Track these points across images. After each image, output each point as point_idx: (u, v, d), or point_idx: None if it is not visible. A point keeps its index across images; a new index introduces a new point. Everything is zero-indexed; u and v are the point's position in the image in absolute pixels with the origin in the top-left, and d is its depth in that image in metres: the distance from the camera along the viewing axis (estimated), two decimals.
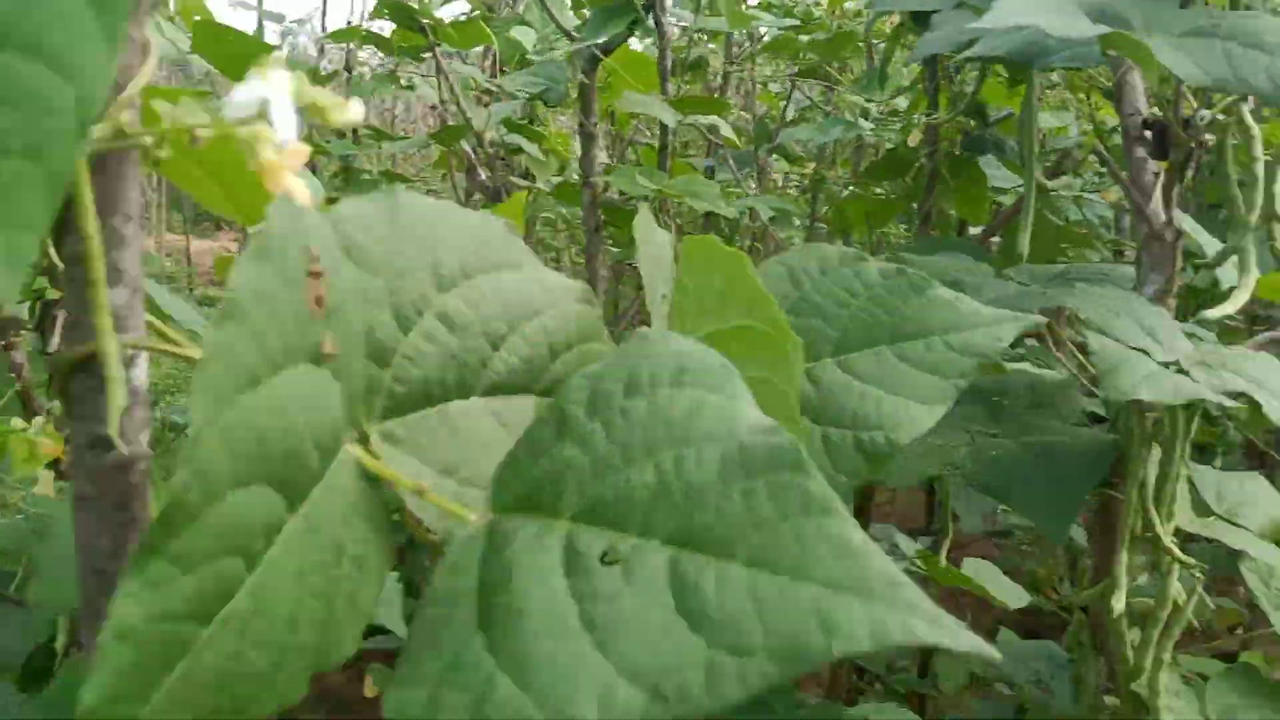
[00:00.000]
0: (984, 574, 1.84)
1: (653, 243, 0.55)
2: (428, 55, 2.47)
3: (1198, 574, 0.98)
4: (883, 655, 3.60)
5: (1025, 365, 1.31)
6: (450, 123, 2.79)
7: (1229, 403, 0.82)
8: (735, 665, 0.28)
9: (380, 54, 3.42)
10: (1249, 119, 0.94)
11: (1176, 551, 0.95)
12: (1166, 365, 0.90)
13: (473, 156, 2.73)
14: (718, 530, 0.30)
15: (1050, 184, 1.24)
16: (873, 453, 0.55)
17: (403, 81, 3.19)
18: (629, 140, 3.80)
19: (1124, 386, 0.80)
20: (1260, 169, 0.93)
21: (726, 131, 2.04)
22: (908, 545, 1.91)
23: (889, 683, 3.42)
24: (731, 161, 3.11)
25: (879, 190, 1.69)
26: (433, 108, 3.41)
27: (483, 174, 2.68)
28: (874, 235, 1.88)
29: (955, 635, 0.28)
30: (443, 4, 2.66)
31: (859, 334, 0.58)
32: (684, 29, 2.15)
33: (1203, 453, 2.68)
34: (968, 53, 0.91)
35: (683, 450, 0.32)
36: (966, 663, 2.92)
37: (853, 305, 0.58)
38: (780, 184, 3.94)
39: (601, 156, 3.39)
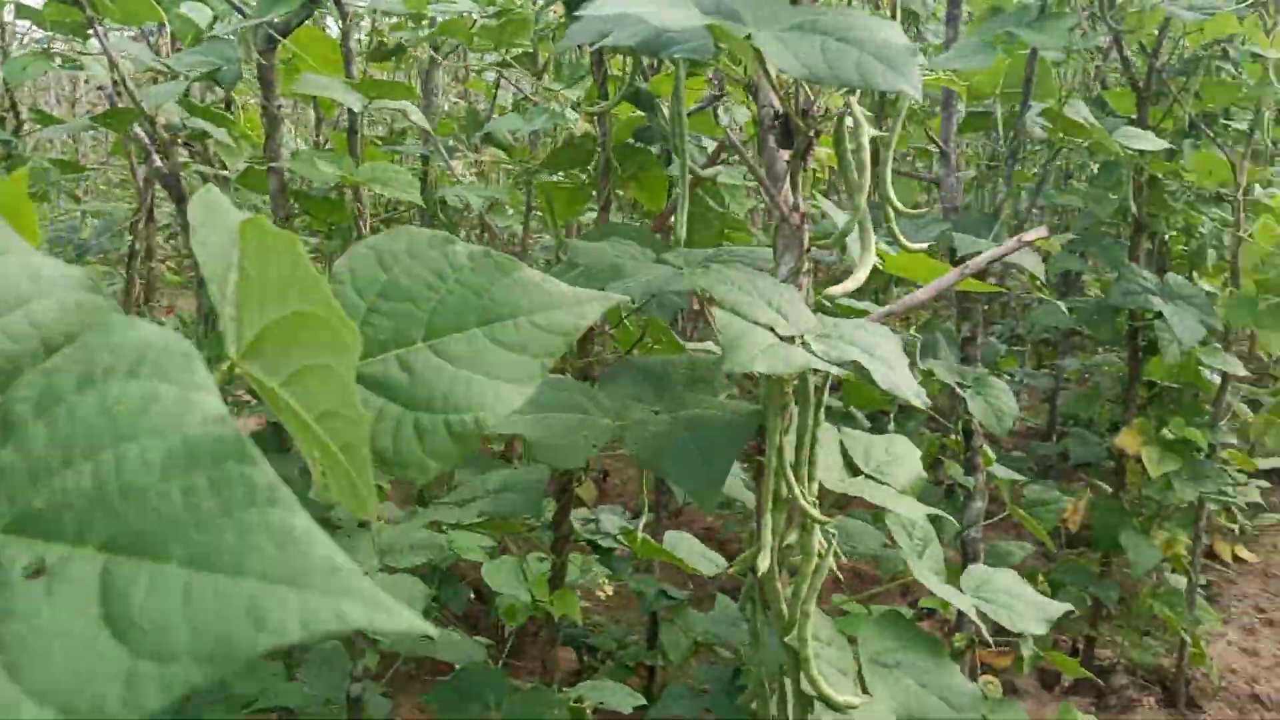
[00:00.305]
0: (681, 545, 1.92)
1: (215, 228, 0.52)
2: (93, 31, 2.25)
3: (832, 531, 1.06)
4: (611, 632, 3.68)
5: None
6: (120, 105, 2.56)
7: (838, 370, 0.90)
8: (157, 671, 0.26)
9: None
10: (857, 109, 1.03)
11: (811, 510, 1.03)
12: (790, 339, 0.97)
13: (147, 142, 2.52)
14: (155, 531, 0.28)
15: (704, 172, 1.30)
16: (461, 434, 0.55)
17: (63, 61, 2.89)
18: (335, 125, 3.64)
19: (742, 359, 0.86)
20: (865, 155, 1.02)
21: (416, 117, 1.99)
22: (611, 524, 1.96)
23: (618, 658, 3.52)
24: (442, 149, 3.06)
25: (565, 178, 1.72)
26: (100, 89, 3.11)
27: (158, 160, 2.48)
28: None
29: (392, 615, 0.27)
30: None
31: (450, 317, 0.57)
32: (365, 9, 2.08)
33: (875, 420, 2.94)
34: (600, 43, 0.93)
35: (126, 448, 0.30)
36: (688, 632, 3.04)
37: (442, 288, 0.57)
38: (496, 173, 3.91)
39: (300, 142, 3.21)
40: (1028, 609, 1.31)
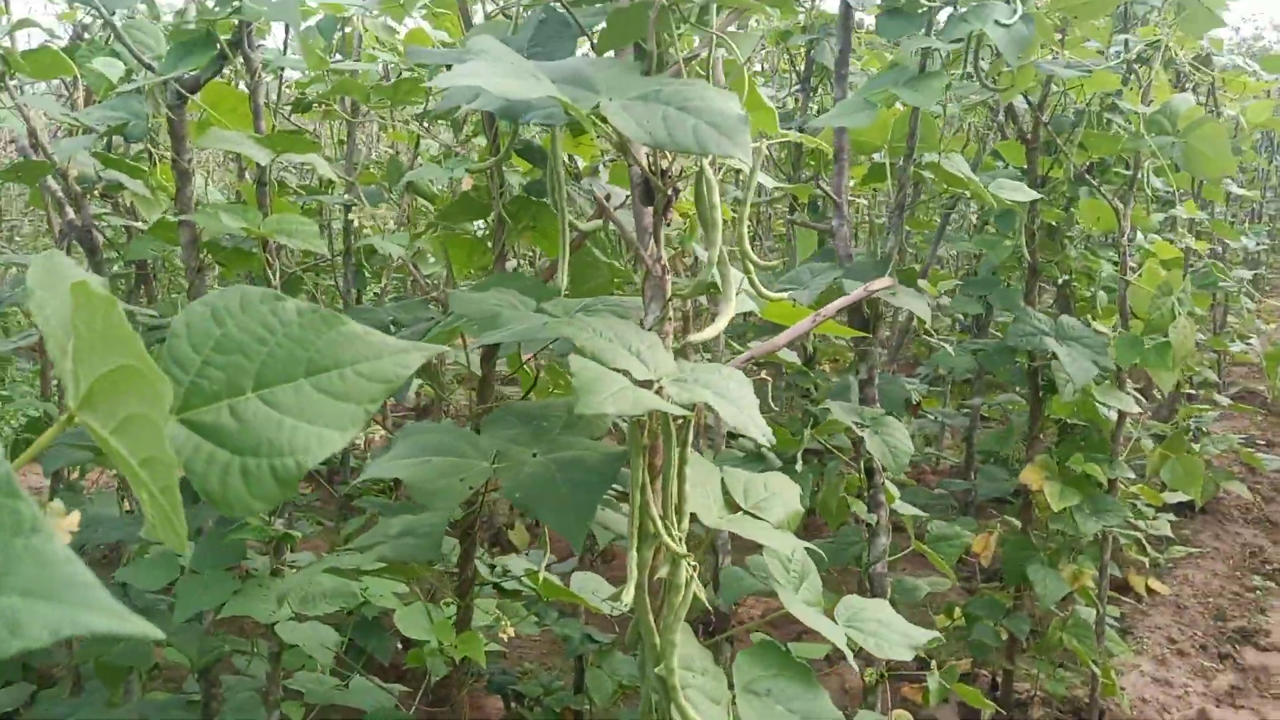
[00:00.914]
0: (587, 586, 1.97)
1: (54, 290, 0.57)
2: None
3: (693, 563, 1.12)
4: (540, 678, 3.68)
5: None
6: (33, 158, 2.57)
7: (681, 411, 0.97)
8: None
9: None
10: (708, 171, 1.11)
11: (673, 545, 1.09)
12: (649, 382, 1.04)
13: (60, 195, 2.53)
14: None
15: (585, 226, 1.38)
16: (284, 477, 0.60)
17: None
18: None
19: (593, 402, 0.92)
20: (717, 214, 1.10)
21: (323, 169, 2.05)
22: (518, 566, 2.01)
23: (545, 704, 3.52)
24: (363, 198, 3.11)
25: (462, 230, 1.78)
26: (12, 142, 3.11)
27: (70, 212, 2.49)
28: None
29: (127, 622, 0.33)
30: (13, 29, 2.45)
31: (278, 368, 0.63)
32: (266, 65, 2.13)
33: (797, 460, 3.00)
34: (467, 106, 1.00)
35: None
36: (613, 675, 3.08)
37: (271, 341, 0.63)
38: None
39: (215, 194, 3.24)
40: (895, 636, 1.38)
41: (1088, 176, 2.99)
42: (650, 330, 1.17)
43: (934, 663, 2.63)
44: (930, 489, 5.03)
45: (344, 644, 2.14)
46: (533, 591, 1.75)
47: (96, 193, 2.74)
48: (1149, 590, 4.41)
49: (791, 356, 2.92)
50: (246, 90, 2.08)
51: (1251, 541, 5.08)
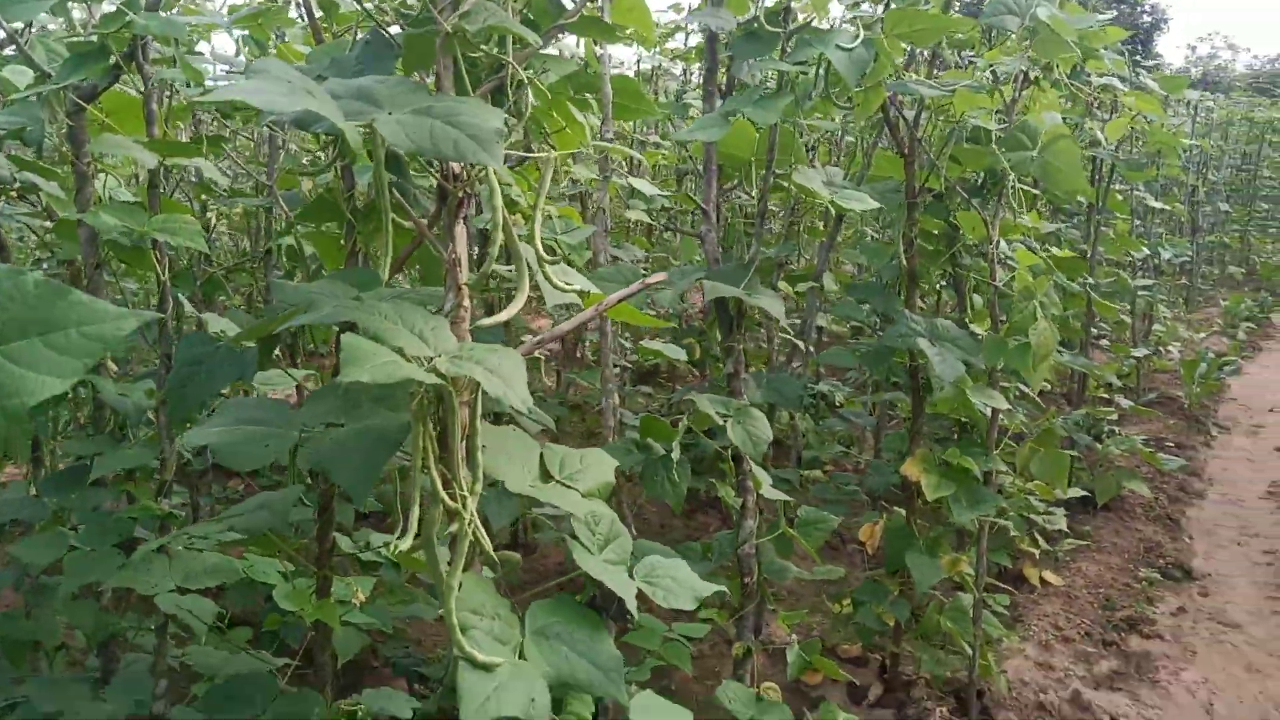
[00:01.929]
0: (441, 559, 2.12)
1: None
2: None
3: (472, 519, 1.29)
4: (445, 660, 3.80)
5: None
6: None
7: (434, 381, 1.13)
8: None
9: None
10: (493, 177, 1.28)
11: (448, 500, 1.25)
12: (428, 359, 1.20)
13: None
14: None
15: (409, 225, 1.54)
16: (13, 413, 0.76)
17: None
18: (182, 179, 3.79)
19: (353, 372, 1.08)
20: (499, 215, 1.27)
21: (209, 173, 2.19)
22: (377, 540, 2.16)
23: (448, 684, 3.64)
24: (280, 199, 3.25)
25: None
26: None
27: None
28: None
29: None
30: None
31: (15, 328, 0.78)
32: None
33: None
34: (270, 119, 1.16)
35: None
36: None
37: (12, 308, 0.79)
38: None
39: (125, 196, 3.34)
40: (682, 589, 1.55)
41: (959, 189, 3.19)
42: (446, 316, 1.34)
43: (794, 638, 2.81)
44: (845, 482, 5.24)
45: (226, 617, 2.28)
46: (387, 561, 1.90)
47: (14, 193, 2.88)
48: (1042, 581, 4.62)
49: (678, 354, 3.09)
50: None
51: (1150, 538, 5.31)
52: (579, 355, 6.29)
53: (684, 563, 1.64)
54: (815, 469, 5.21)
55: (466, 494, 1.31)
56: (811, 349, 3.86)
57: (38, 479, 2.72)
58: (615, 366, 3.13)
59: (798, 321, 4.39)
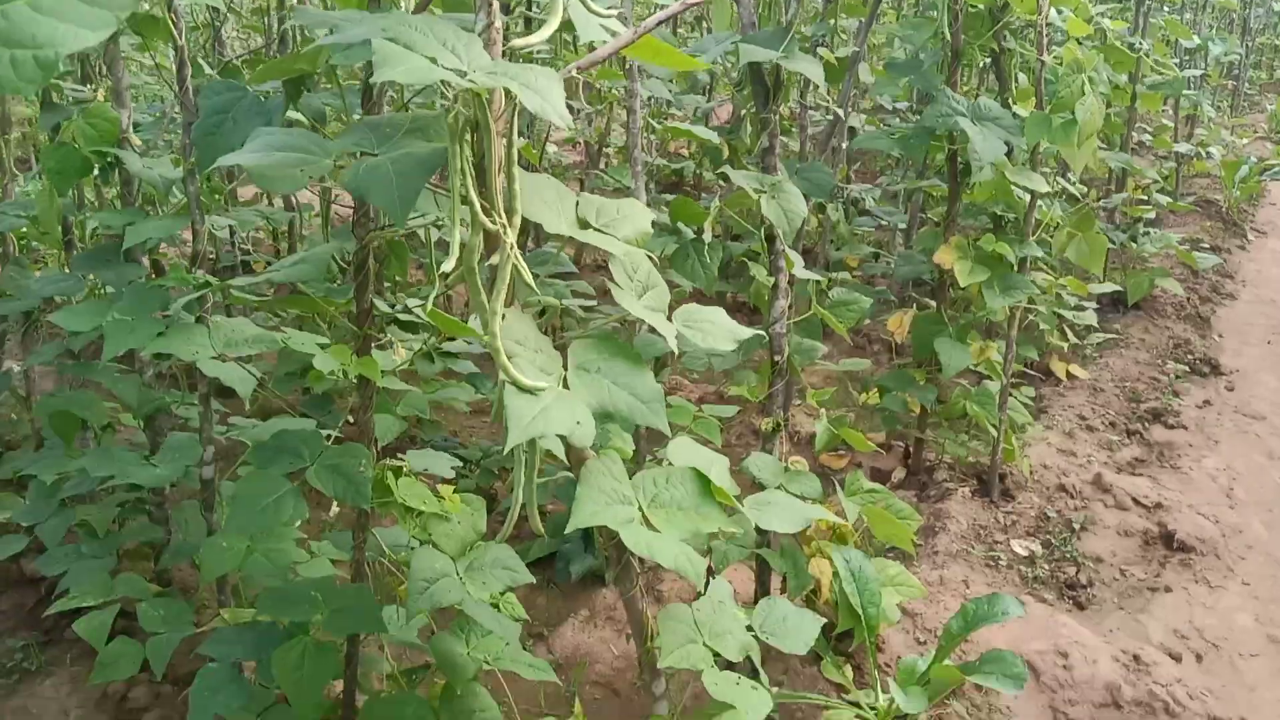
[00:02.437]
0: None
1: None
2: None
3: (513, 247, 1.27)
4: (480, 445, 3.88)
5: None
6: None
7: (466, 84, 1.09)
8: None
9: None
10: None
11: (490, 224, 1.23)
12: (461, 71, 1.15)
13: None
14: None
15: None
16: (45, 63, 0.73)
17: None
18: None
19: (387, 72, 1.04)
20: None
21: None
22: (413, 304, 2.16)
23: (484, 465, 3.74)
24: None
25: None
26: None
27: None
28: None
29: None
30: None
31: None
32: None
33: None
34: None
35: None
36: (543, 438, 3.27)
37: None
38: None
39: None
40: (721, 332, 1.56)
41: None
42: (478, 35, 1.28)
43: (823, 411, 2.85)
44: (870, 281, 5.21)
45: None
46: (423, 321, 1.91)
47: None
48: (1069, 375, 4.65)
49: (709, 135, 3.01)
50: None
51: (1180, 335, 5.30)
52: (602, 165, 6.17)
53: (721, 310, 1.63)
54: (842, 271, 5.17)
55: (505, 223, 1.29)
56: (845, 137, 3.74)
57: (69, 259, 2.74)
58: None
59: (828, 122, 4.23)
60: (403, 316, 1.96)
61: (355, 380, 1.96)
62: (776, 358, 2.74)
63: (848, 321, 2.88)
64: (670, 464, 1.69)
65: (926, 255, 3.82)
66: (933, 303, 3.66)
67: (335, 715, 2.11)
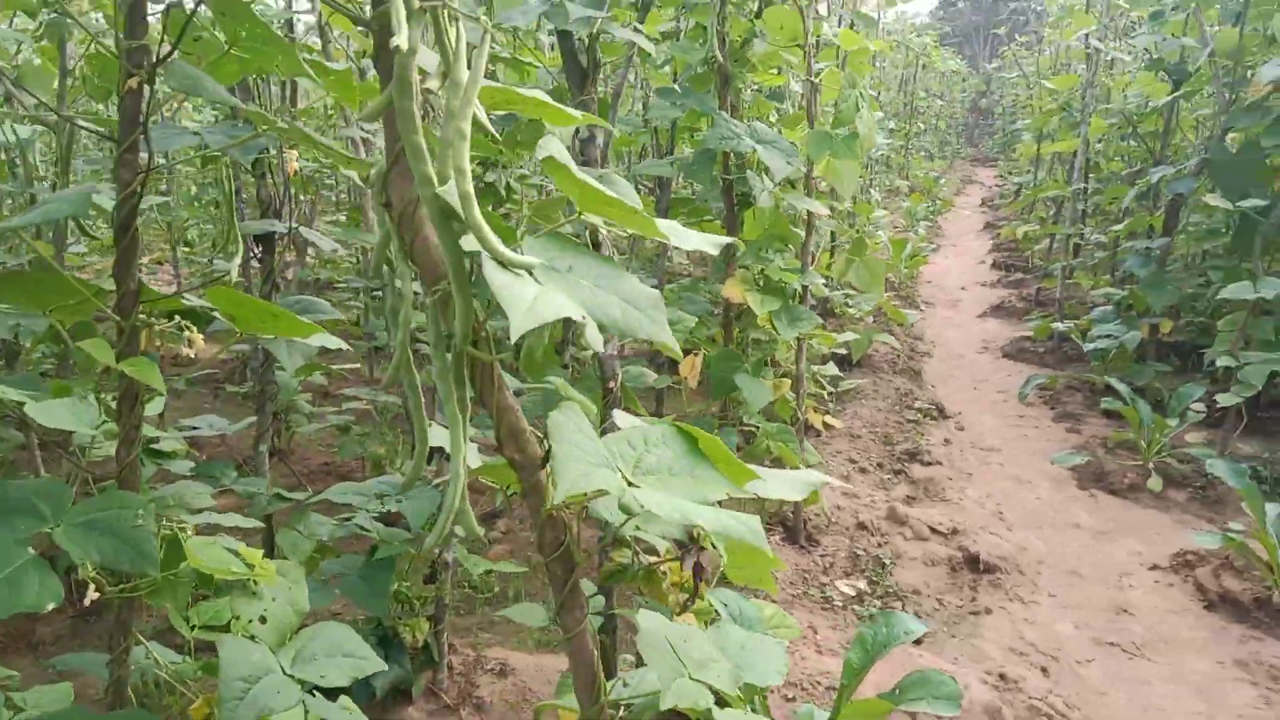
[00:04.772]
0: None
1: None
2: None
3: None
4: None
5: None
6: None
7: None
8: None
9: None
10: None
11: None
12: None
13: None
14: None
15: None
16: None
17: None
18: None
19: None
20: None
21: None
22: None
23: None
24: None
25: None
26: None
27: None
28: None
29: None
30: None
31: None
32: None
33: None
34: None
35: None
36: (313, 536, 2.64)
37: None
38: None
39: None
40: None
41: None
42: None
43: None
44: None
45: None
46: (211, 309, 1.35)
47: None
48: (826, 426, 4.66)
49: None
50: None
51: (903, 386, 5.57)
52: None
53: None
54: None
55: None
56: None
57: None
58: None
59: None
60: (191, 300, 1.38)
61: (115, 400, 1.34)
62: (610, 384, 2.38)
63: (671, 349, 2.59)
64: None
65: (708, 293, 3.67)
66: (714, 338, 3.49)
67: None
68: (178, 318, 1.35)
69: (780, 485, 1.25)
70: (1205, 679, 2.83)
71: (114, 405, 1.41)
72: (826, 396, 4.73)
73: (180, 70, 1.13)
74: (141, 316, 1.36)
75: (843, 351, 5.47)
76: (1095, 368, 5.75)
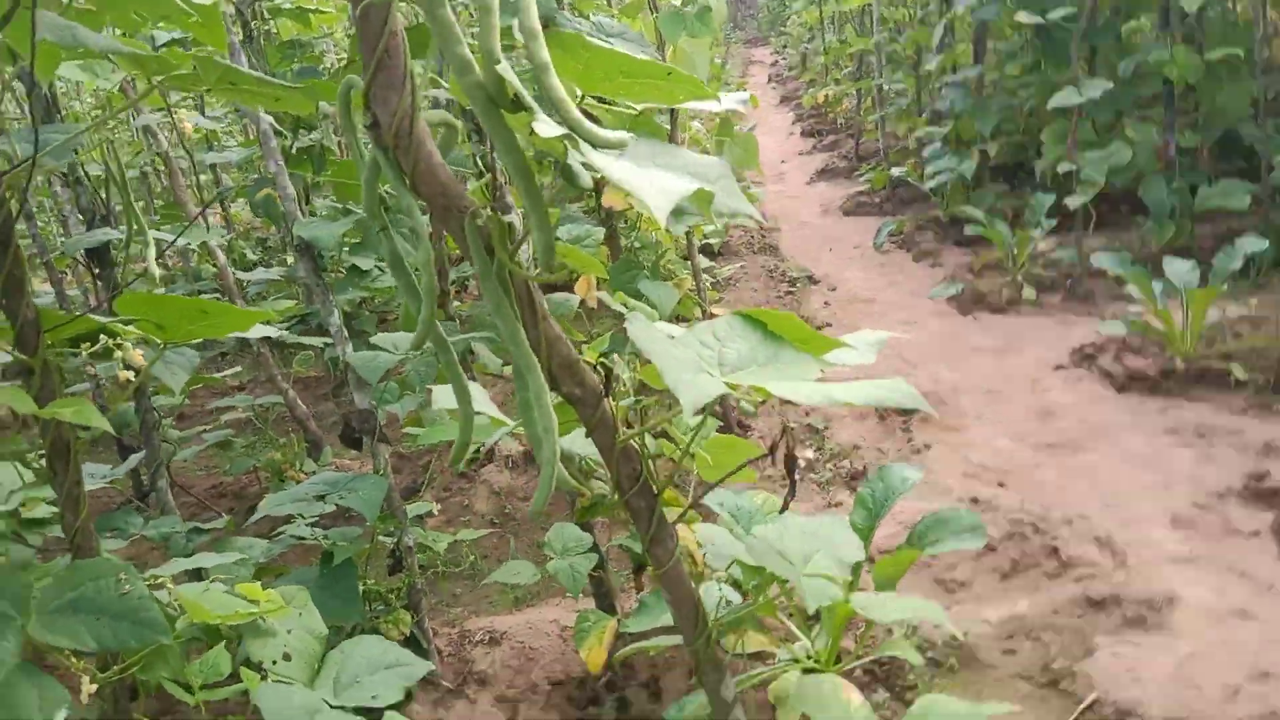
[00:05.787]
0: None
1: None
2: None
3: None
4: None
5: None
6: None
7: None
8: None
9: None
10: None
11: None
12: None
13: None
14: None
15: None
16: None
17: None
18: None
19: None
20: None
21: None
22: None
23: None
24: None
25: None
26: None
27: None
28: None
29: None
30: None
31: None
32: None
33: None
34: None
35: None
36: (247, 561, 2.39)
37: None
38: None
39: None
40: None
41: None
42: None
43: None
44: None
45: None
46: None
47: None
48: (711, 314, 4.64)
49: None
50: None
51: (768, 263, 5.60)
52: None
53: None
54: None
55: None
56: None
57: None
58: None
59: None
60: (111, 322, 1.12)
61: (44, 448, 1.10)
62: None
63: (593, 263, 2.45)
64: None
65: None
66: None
67: None
68: (104, 338, 1.10)
69: (859, 349, 1.17)
70: (1145, 452, 2.99)
71: (42, 464, 1.16)
72: (709, 286, 4.70)
73: (51, 22, 0.88)
74: (50, 348, 1.11)
75: (710, 242, 5.44)
76: (936, 204, 5.93)
